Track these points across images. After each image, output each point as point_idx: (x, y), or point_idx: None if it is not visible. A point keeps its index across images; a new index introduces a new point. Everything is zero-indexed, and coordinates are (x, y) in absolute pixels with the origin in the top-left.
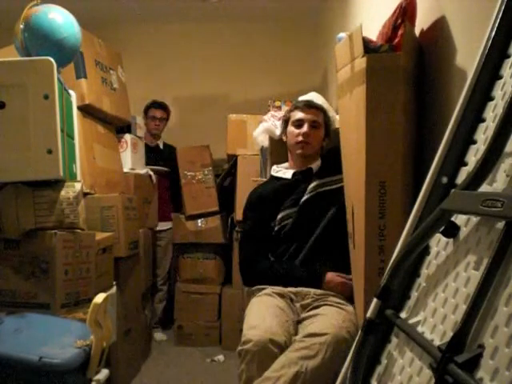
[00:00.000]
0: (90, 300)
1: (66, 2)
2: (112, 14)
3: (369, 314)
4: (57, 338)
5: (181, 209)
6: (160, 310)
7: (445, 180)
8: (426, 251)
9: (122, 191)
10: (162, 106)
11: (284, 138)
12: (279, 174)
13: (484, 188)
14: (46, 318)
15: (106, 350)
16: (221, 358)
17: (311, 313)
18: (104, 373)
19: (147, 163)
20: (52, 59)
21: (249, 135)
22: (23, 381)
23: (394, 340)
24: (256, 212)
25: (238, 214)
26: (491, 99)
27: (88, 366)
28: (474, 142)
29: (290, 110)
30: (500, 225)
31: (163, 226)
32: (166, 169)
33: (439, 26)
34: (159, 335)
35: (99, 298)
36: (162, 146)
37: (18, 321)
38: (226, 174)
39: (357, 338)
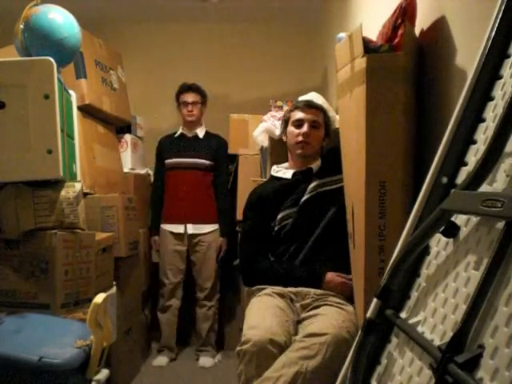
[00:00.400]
0: (90, 300)
1: (66, 2)
2: (112, 14)
3: (369, 314)
4: (57, 338)
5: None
6: (205, 332)
7: (445, 180)
8: (425, 251)
9: (122, 191)
10: (192, 88)
11: (284, 138)
12: (279, 174)
13: (484, 188)
14: (46, 318)
15: (106, 350)
16: (220, 357)
17: (311, 313)
18: (104, 373)
19: (182, 155)
20: (52, 59)
21: (250, 135)
22: (23, 381)
23: (394, 340)
24: (256, 212)
25: (238, 214)
26: (491, 99)
27: (88, 366)
28: (474, 142)
29: (290, 110)
30: (500, 225)
31: (200, 228)
32: (205, 161)
33: (439, 26)
34: (206, 360)
35: (99, 298)
36: (201, 136)
37: (18, 321)
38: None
39: (357, 338)
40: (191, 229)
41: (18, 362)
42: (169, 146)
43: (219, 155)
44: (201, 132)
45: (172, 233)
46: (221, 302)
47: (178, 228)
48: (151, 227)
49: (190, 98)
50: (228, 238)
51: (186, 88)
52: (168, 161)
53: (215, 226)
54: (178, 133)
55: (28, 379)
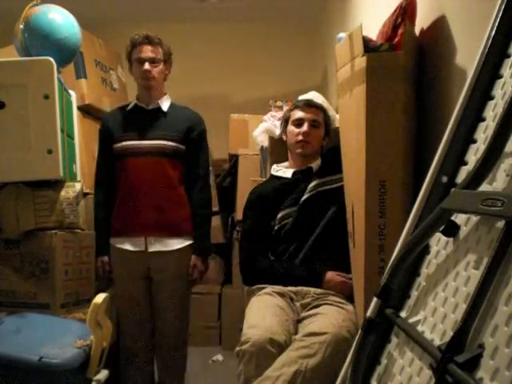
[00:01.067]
0: (90, 300)
1: (66, 1)
2: (112, 14)
3: (369, 313)
4: (57, 338)
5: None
6: None
7: (445, 179)
8: (425, 250)
9: None
10: (149, 39)
11: (284, 138)
12: (279, 174)
13: (484, 187)
14: (47, 318)
15: (106, 350)
16: (219, 357)
17: (311, 312)
18: (104, 373)
19: (138, 136)
20: (52, 59)
21: (250, 135)
22: (23, 381)
23: (394, 340)
24: (256, 211)
25: (239, 214)
26: (491, 98)
27: (88, 366)
28: (474, 142)
29: (290, 110)
30: (500, 224)
31: (168, 244)
32: (172, 144)
33: (439, 26)
34: None
35: (99, 298)
36: (165, 108)
37: (18, 321)
38: (226, 174)
39: (357, 337)
40: (154, 244)
41: (18, 362)
42: (118, 123)
43: (194, 135)
44: (164, 104)
45: (127, 251)
46: (220, 300)
47: (136, 243)
48: (96, 244)
49: (147, 52)
50: (203, 257)
51: (140, 40)
52: (117, 145)
53: (189, 241)
54: (131, 105)
55: (28, 379)
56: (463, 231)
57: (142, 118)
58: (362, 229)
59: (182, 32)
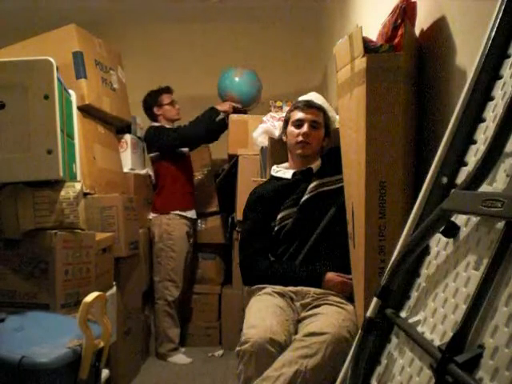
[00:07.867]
0: None
1: (67, 1)
2: (112, 14)
3: (369, 313)
4: (55, 337)
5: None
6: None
7: (445, 180)
8: (426, 251)
9: (122, 191)
10: (169, 89)
11: (284, 138)
12: (279, 174)
13: (484, 188)
14: (52, 316)
15: (106, 350)
16: (220, 352)
17: (311, 312)
18: (104, 373)
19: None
20: (52, 59)
21: (250, 135)
22: (7, 380)
23: (394, 340)
24: (256, 212)
25: (239, 214)
26: (491, 99)
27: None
28: (474, 142)
29: (290, 110)
30: (500, 225)
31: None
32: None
33: (439, 26)
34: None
35: (89, 297)
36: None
37: (20, 319)
38: (226, 174)
39: (357, 337)
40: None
41: (1, 360)
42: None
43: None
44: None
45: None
46: (220, 300)
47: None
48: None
49: (172, 97)
50: None
51: (166, 89)
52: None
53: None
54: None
55: (10, 378)
56: (463, 232)
57: None
58: (362, 230)
59: (181, 32)
